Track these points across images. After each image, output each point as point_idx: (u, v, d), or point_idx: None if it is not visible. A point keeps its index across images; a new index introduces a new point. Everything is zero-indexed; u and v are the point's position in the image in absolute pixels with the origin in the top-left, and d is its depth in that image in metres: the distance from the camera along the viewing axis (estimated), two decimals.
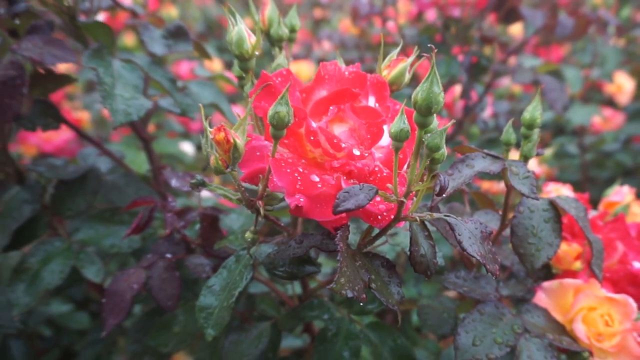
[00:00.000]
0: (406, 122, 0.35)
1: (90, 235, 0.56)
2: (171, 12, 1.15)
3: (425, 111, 0.33)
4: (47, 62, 0.47)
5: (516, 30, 1.48)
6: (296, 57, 2.34)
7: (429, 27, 1.14)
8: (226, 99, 0.72)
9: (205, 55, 0.66)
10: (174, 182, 0.58)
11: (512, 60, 1.36)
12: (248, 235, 0.45)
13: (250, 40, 0.44)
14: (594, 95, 1.78)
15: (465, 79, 1.10)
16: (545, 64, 1.31)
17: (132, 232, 0.50)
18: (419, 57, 0.49)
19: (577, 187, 1.34)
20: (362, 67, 0.48)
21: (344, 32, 2.11)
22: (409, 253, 0.45)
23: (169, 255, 0.56)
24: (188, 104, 0.62)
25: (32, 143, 1.29)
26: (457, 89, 1.18)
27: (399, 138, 0.35)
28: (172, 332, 0.61)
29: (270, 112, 0.36)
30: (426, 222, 0.45)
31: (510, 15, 1.06)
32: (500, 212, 0.62)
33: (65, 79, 0.52)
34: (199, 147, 1.56)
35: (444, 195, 0.35)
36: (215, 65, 1.55)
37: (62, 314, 0.91)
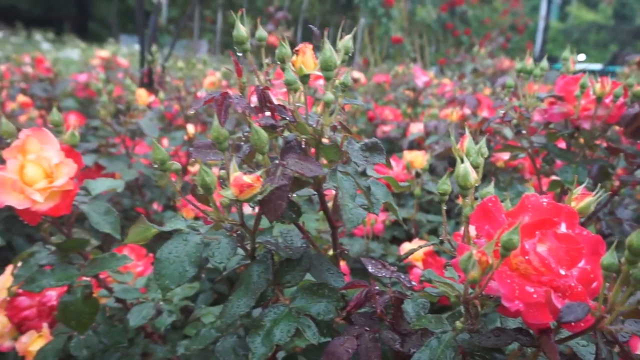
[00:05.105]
0: (615, 256, 0.46)
1: (303, 304, 0.70)
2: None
3: (638, 254, 0.44)
4: (306, 174, 0.64)
5: None
6: (391, 138, 2.49)
7: (555, 135, 1.25)
8: (394, 199, 0.85)
9: (390, 166, 0.81)
10: (370, 268, 0.72)
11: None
12: (458, 324, 0.57)
13: (473, 175, 0.58)
14: None
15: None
16: None
17: (352, 309, 0.64)
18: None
19: None
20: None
21: (444, 118, 2.28)
22: (594, 356, 0.54)
23: (367, 328, 0.68)
24: (374, 203, 0.77)
25: (189, 208, 1.52)
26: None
27: (609, 269, 0.46)
28: None
29: (504, 238, 0.49)
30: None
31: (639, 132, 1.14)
32: None
33: (305, 181, 0.70)
34: None
35: None
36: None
37: None
